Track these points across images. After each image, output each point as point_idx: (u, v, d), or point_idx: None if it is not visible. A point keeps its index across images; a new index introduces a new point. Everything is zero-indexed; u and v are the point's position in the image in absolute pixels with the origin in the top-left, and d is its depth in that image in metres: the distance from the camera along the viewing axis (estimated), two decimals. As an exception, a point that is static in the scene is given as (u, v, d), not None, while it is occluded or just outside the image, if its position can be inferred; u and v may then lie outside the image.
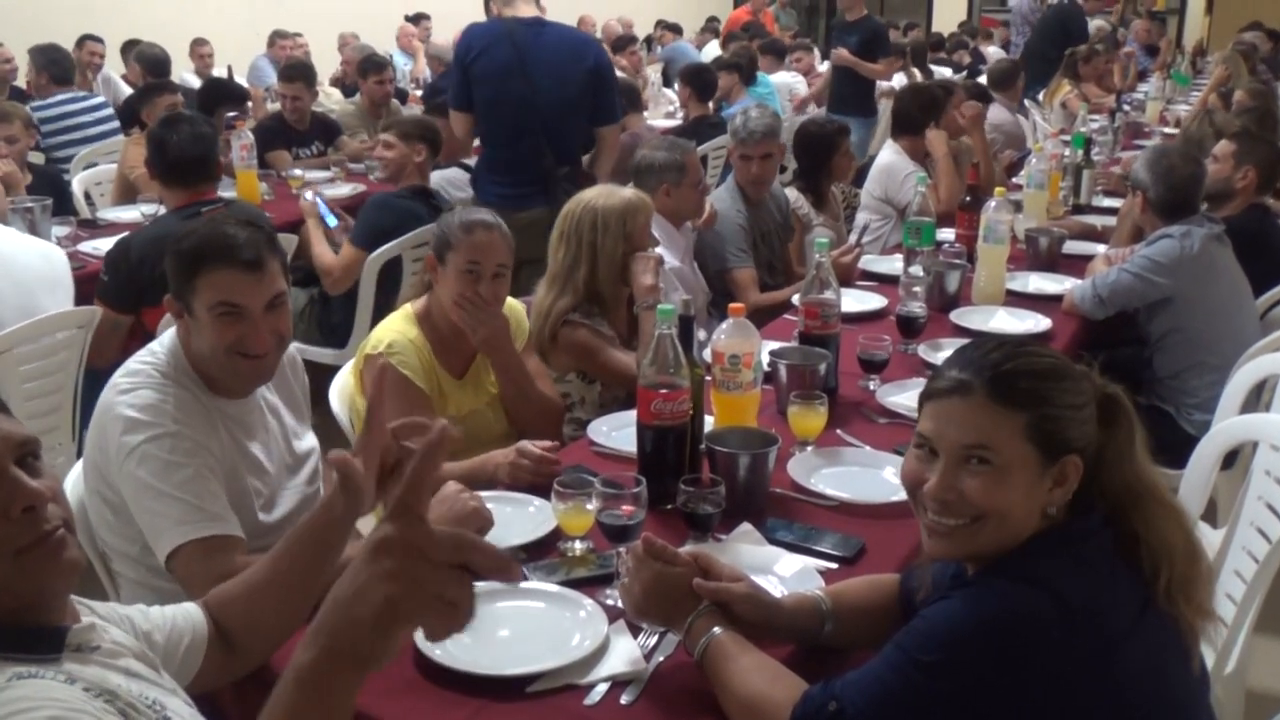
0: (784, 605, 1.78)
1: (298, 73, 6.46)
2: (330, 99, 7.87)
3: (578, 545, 2.07)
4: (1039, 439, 1.51)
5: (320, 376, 2.97)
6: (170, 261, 2.17)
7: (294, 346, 4.46)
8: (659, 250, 3.59)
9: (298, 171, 5.81)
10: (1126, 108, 8.10)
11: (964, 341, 2.02)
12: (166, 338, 2.22)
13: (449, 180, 5.08)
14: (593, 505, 2.00)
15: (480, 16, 4.60)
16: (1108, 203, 5.25)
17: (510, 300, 2.92)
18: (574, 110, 4.30)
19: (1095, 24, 12.80)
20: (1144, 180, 3.63)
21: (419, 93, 9.07)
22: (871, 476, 2.40)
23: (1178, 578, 1.50)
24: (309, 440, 2.46)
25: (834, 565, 2.06)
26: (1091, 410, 1.54)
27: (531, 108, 4.22)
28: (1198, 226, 3.52)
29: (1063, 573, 1.46)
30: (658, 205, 3.79)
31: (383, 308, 4.46)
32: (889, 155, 5.13)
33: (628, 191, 3.18)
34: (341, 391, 2.89)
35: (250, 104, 7.08)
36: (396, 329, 2.71)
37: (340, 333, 4.50)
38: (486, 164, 4.43)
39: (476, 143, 4.66)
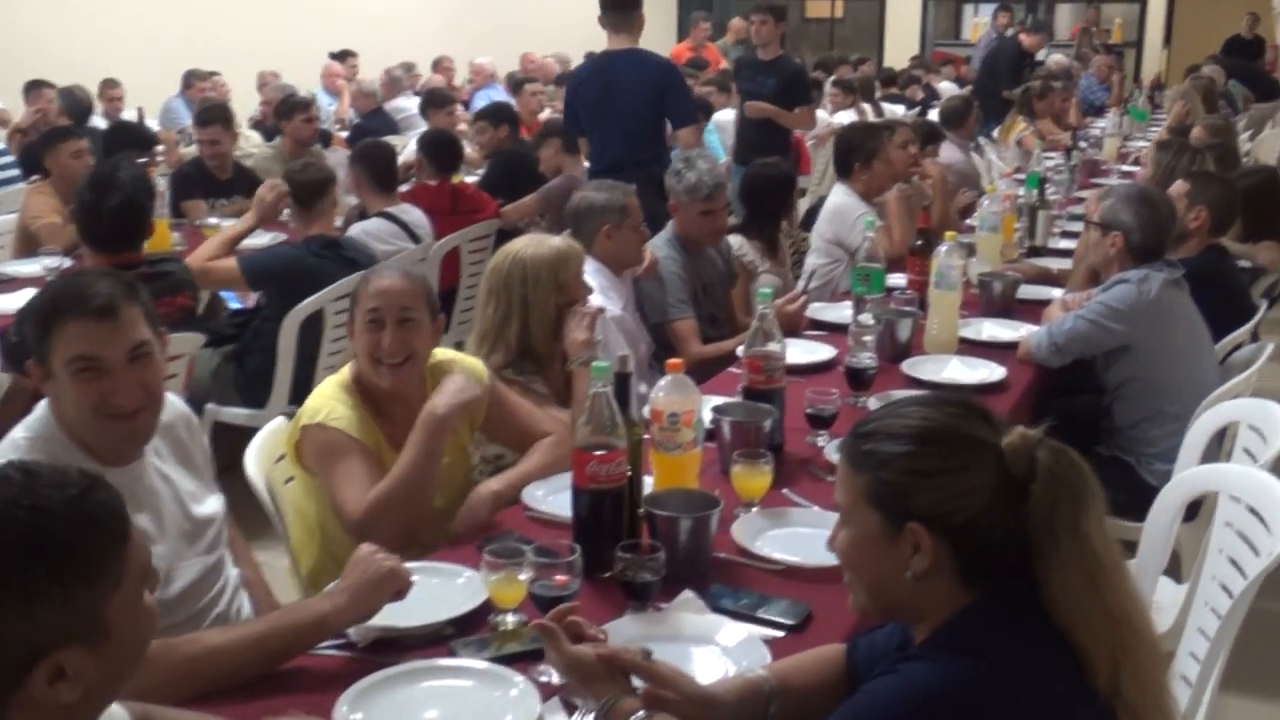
0: (725, 697, 1.76)
1: (214, 115, 6.44)
2: (249, 142, 7.85)
3: (510, 618, 2.07)
4: (878, 501, 1.58)
5: (238, 439, 2.95)
6: (28, 323, 2.16)
7: (208, 407, 4.45)
8: (599, 299, 3.63)
9: (213, 220, 5.79)
10: (1083, 145, 8.27)
11: (916, 393, 2.05)
12: (40, 408, 2.20)
13: (369, 232, 5.10)
14: (525, 575, 2.00)
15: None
16: (1065, 244, 5.35)
17: (463, 359, 2.91)
18: (646, 115, 5.66)
19: (1054, 59, 13.12)
20: (1126, 222, 3.68)
21: (344, 134, 9.08)
22: (820, 538, 2.37)
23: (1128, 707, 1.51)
24: (211, 505, 2.44)
25: (780, 633, 2.08)
26: (971, 479, 1.54)
27: (615, 117, 5.63)
28: (1156, 271, 3.60)
29: (1004, 642, 1.48)
30: (598, 249, 3.84)
31: (304, 366, 4.46)
32: (840, 197, 5.21)
33: (558, 241, 3.21)
34: (261, 456, 2.85)
35: (163, 148, 7.06)
36: (332, 396, 2.67)
37: (259, 392, 4.47)
38: (594, 163, 5.79)
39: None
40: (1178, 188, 4.24)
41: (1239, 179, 5.15)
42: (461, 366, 2.85)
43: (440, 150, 6.05)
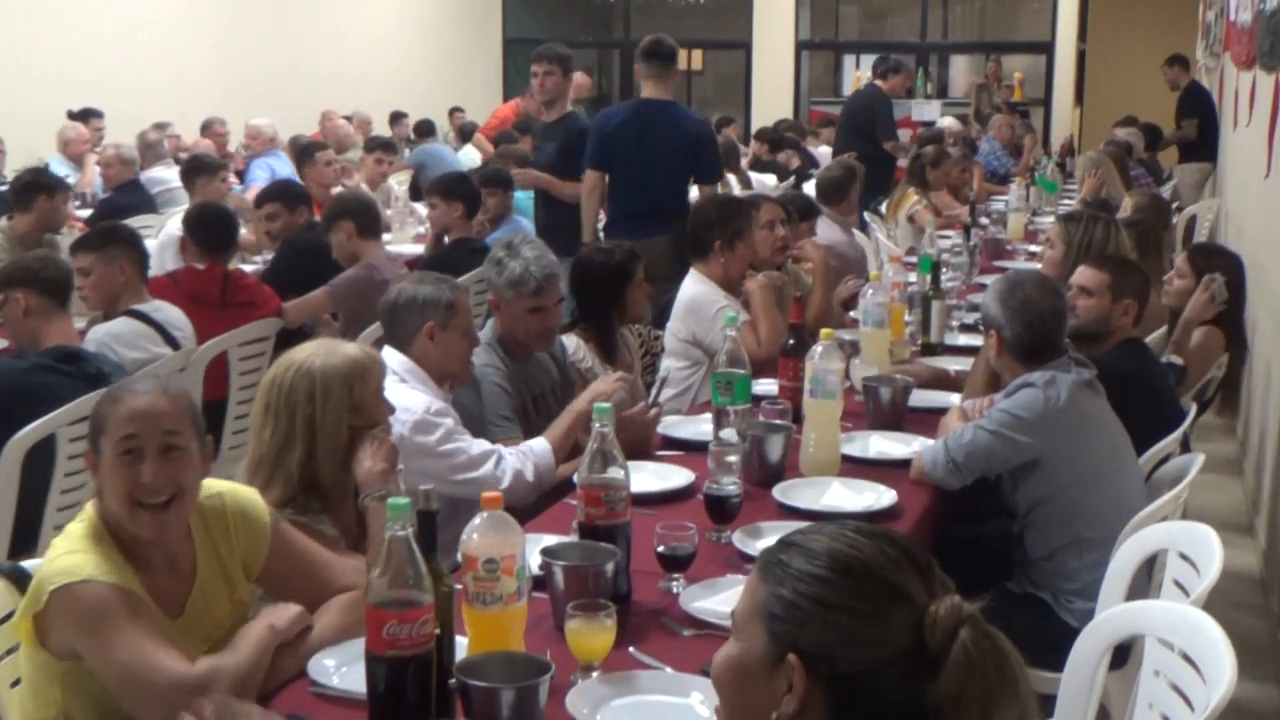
0: None
1: (-95, 190, 6.30)
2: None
3: (286, 825, 2.03)
4: (770, 622, 1.65)
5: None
6: None
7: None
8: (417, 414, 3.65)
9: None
10: (984, 221, 8.57)
11: (793, 525, 2.08)
12: None
13: (116, 337, 5.00)
14: (304, 770, 1.97)
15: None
16: (965, 341, 5.49)
17: (239, 490, 2.86)
18: (681, 167, 7.05)
19: (946, 122, 13.64)
20: (997, 317, 3.84)
21: (84, 213, 8.91)
22: (675, 708, 2.43)
23: None
24: None
25: (626, 830, 2.08)
26: (875, 630, 1.61)
27: (652, 164, 6.88)
28: (1063, 372, 3.74)
29: None
30: (417, 352, 3.85)
31: (29, 504, 4.33)
32: (694, 286, 5.30)
33: (352, 348, 3.19)
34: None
35: None
36: (81, 548, 2.56)
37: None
38: (618, 207, 7.03)
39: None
40: (1095, 278, 4.39)
41: (1203, 252, 5.46)
42: (236, 499, 2.82)
43: (209, 226, 6.01)
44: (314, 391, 3.07)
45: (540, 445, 3.98)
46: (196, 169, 8.33)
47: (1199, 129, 12.70)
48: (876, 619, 1.61)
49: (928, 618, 1.61)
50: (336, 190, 8.40)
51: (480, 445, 3.85)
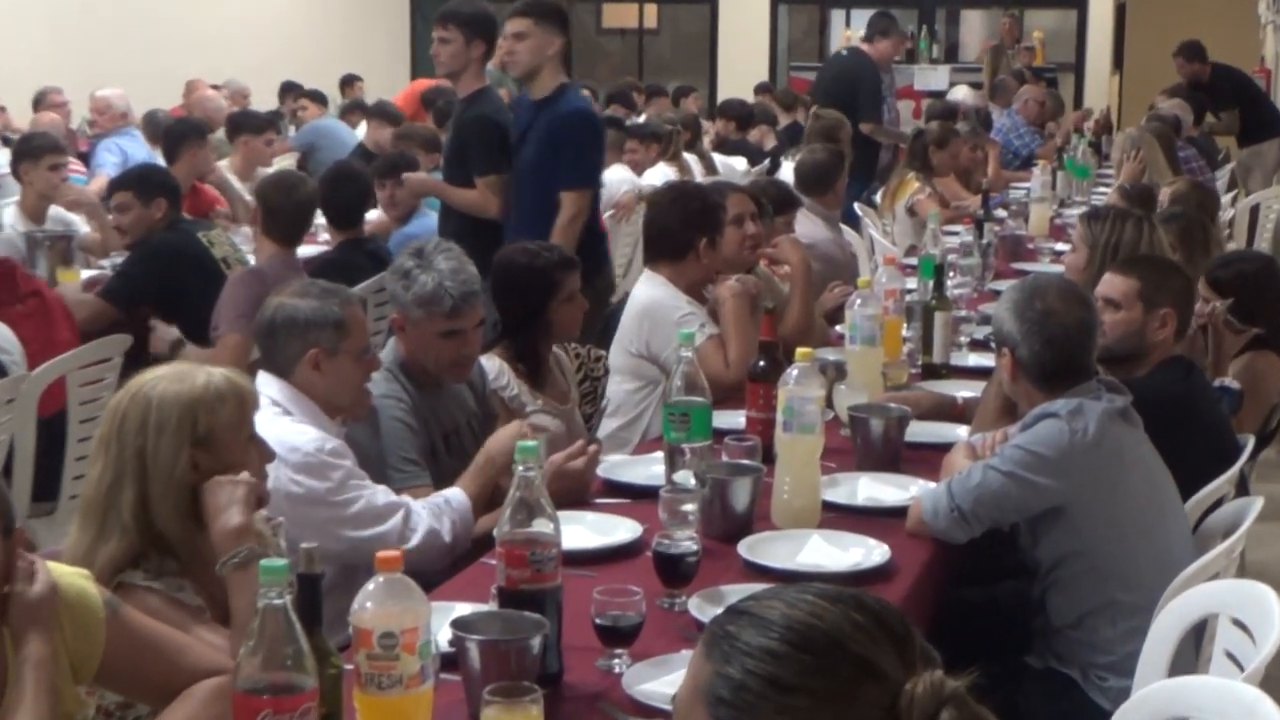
0: None
1: None
2: None
3: None
4: (714, 706, 1.68)
5: None
6: None
7: None
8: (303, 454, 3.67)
9: None
10: (1001, 214, 8.60)
11: (763, 588, 2.09)
12: None
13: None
14: None
15: None
16: (975, 360, 5.51)
17: (60, 574, 2.84)
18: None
19: (960, 93, 13.67)
20: (1012, 332, 3.87)
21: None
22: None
23: None
24: None
25: None
26: (838, 713, 1.65)
27: None
28: (1092, 399, 3.76)
29: None
30: (301, 381, 3.84)
31: None
32: (650, 289, 5.29)
33: (210, 374, 3.15)
34: None
35: None
36: None
37: None
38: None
39: None
40: (1122, 286, 4.42)
41: (1220, 265, 5.48)
42: (61, 589, 2.73)
43: None
44: (147, 419, 3.04)
45: (457, 497, 3.96)
46: (28, 151, 8.24)
47: (1241, 117, 12.86)
48: (841, 702, 1.64)
49: (903, 698, 1.64)
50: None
51: (385, 495, 3.82)
